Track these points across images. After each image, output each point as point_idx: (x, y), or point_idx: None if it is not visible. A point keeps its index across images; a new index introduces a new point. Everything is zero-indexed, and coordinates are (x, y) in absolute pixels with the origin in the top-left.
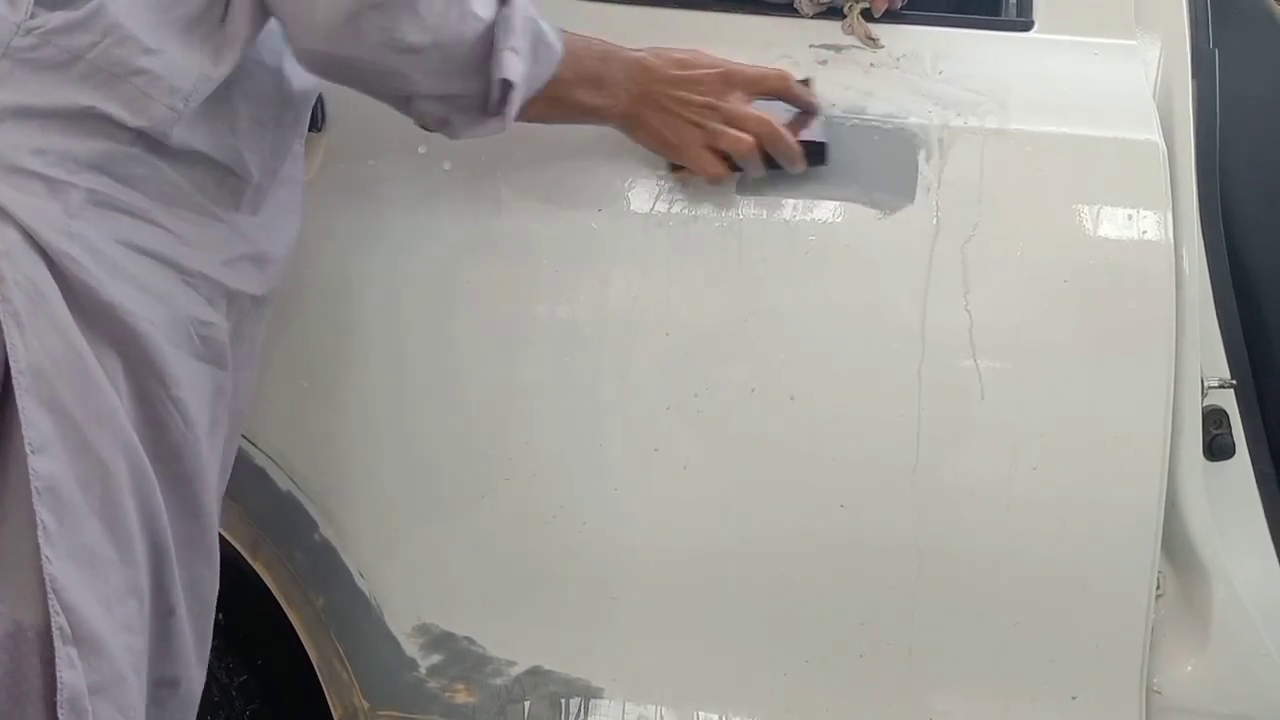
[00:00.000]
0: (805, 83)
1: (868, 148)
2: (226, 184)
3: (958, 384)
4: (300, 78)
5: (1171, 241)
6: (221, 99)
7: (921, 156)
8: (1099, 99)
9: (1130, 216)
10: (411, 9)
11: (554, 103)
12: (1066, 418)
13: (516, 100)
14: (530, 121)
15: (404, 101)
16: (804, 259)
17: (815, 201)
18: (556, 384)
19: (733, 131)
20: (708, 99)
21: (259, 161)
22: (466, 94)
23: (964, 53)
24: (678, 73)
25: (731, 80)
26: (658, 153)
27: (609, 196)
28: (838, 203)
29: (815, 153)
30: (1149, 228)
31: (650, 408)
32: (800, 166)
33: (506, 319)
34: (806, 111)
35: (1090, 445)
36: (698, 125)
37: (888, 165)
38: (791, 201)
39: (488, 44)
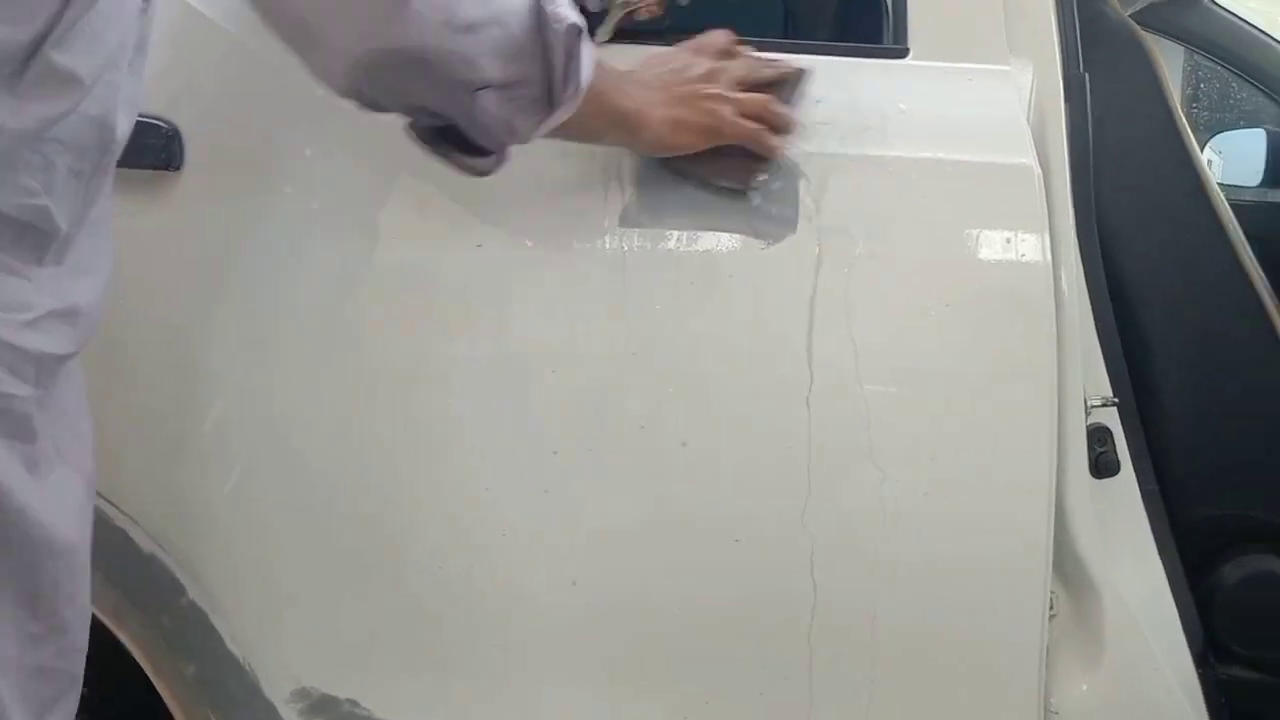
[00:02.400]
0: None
1: None
2: (27, 239)
3: (846, 412)
4: (127, 122)
5: (1050, 263)
6: (33, 151)
7: (803, 185)
8: (974, 124)
9: (1009, 239)
10: None
11: (601, 102)
12: (955, 442)
13: (584, 61)
14: (571, 135)
15: (470, 101)
16: (689, 290)
17: (699, 232)
18: (440, 426)
19: (750, 99)
20: (704, 76)
21: (70, 212)
22: (531, 79)
23: (842, 80)
24: (672, 65)
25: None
26: (687, 153)
27: (489, 230)
28: (722, 233)
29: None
30: (1027, 250)
31: (539, 448)
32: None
33: (384, 360)
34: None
35: (979, 468)
36: (723, 99)
37: (770, 194)
38: (676, 233)
39: (538, 14)
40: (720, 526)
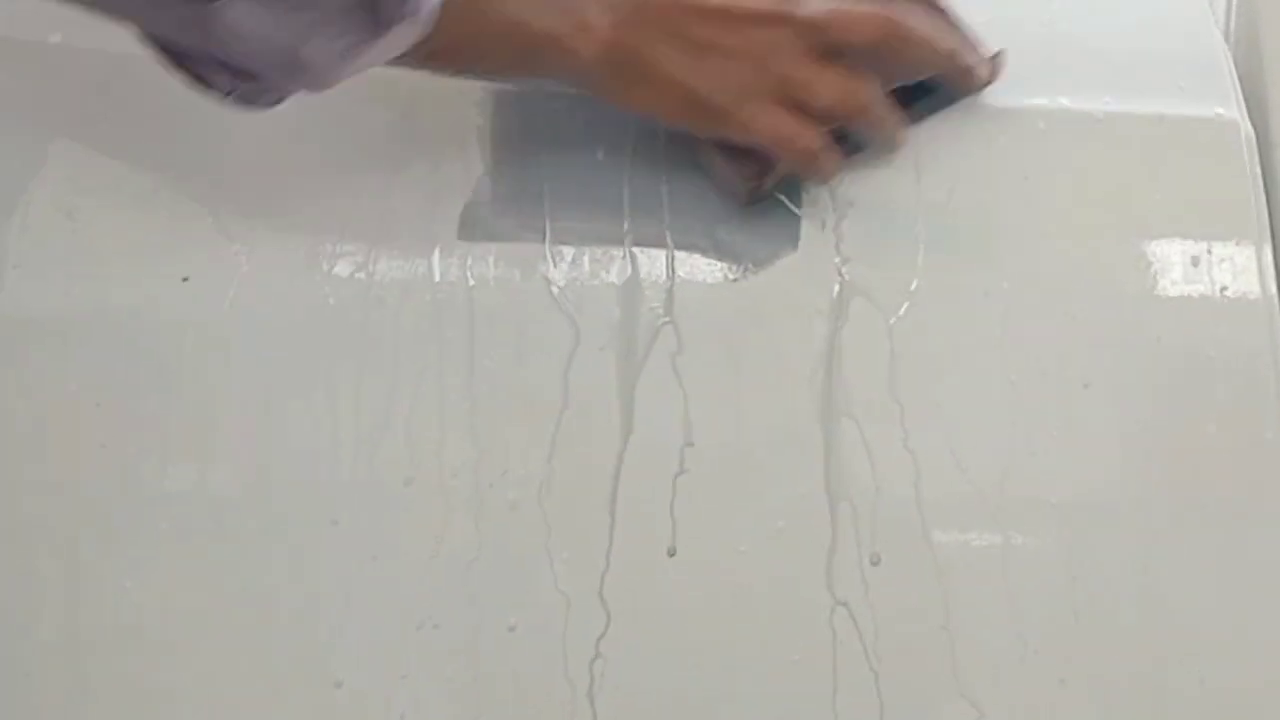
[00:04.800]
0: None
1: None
2: None
3: (905, 597)
4: None
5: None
6: None
7: None
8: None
9: (1198, 258)
10: None
11: (478, 21)
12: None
13: None
14: (440, 67)
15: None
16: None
17: (620, 248)
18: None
19: (828, 71)
20: (767, 5)
21: None
22: None
23: None
24: None
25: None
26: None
27: (198, 261)
28: (679, 253)
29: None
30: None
31: (384, 628)
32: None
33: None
34: None
35: None
36: (759, 62)
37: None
38: (591, 249)
39: None
40: None
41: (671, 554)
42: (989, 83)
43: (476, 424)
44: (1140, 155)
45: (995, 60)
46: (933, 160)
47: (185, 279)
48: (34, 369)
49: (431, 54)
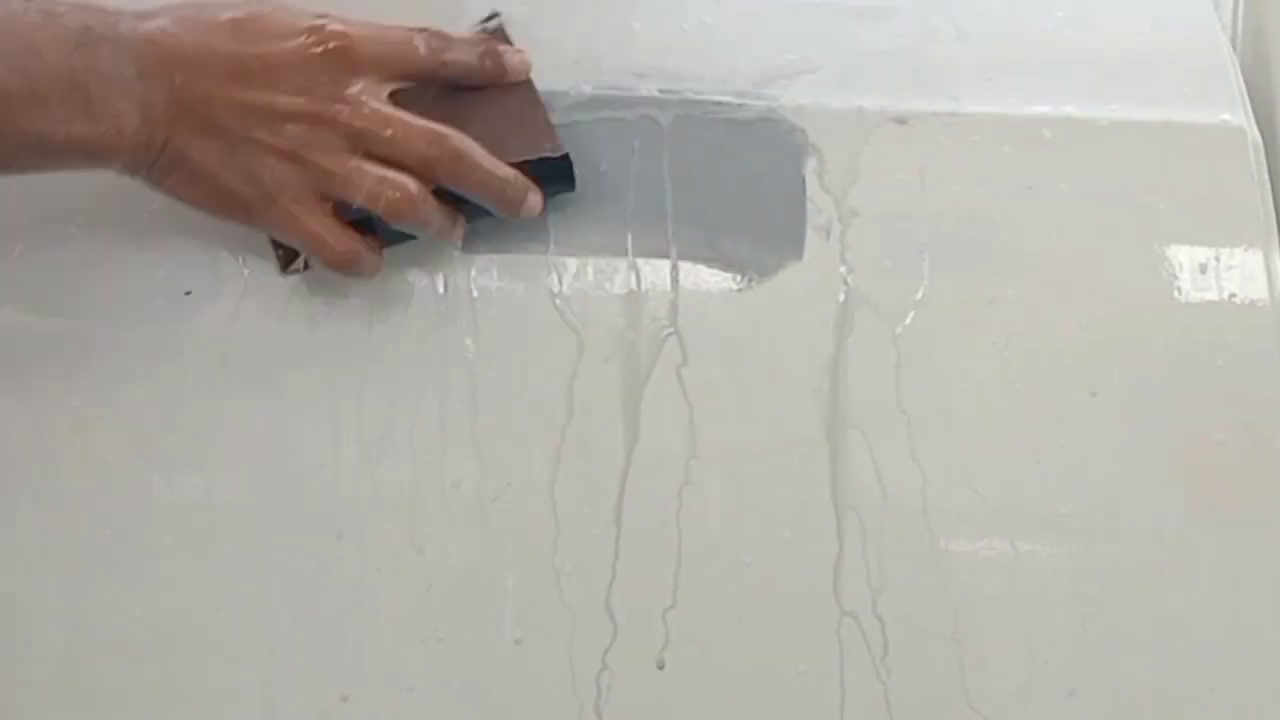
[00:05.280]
0: (492, 21)
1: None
2: None
3: (914, 615)
4: None
5: None
6: None
7: (811, 167)
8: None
9: (1206, 264)
10: None
11: None
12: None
13: None
14: None
15: None
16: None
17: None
18: None
19: (371, 169)
20: (313, 104)
21: None
22: None
23: None
24: (246, 50)
25: (352, 55)
26: (216, 218)
27: (200, 275)
28: (683, 264)
29: (553, 175)
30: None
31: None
32: (532, 208)
33: None
34: (506, 87)
35: None
36: (296, 159)
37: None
38: (595, 260)
39: None
40: None
41: (677, 565)
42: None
43: (480, 436)
44: (1146, 162)
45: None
46: (937, 169)
47: (188, 293)
48: (37, 383)
49: None
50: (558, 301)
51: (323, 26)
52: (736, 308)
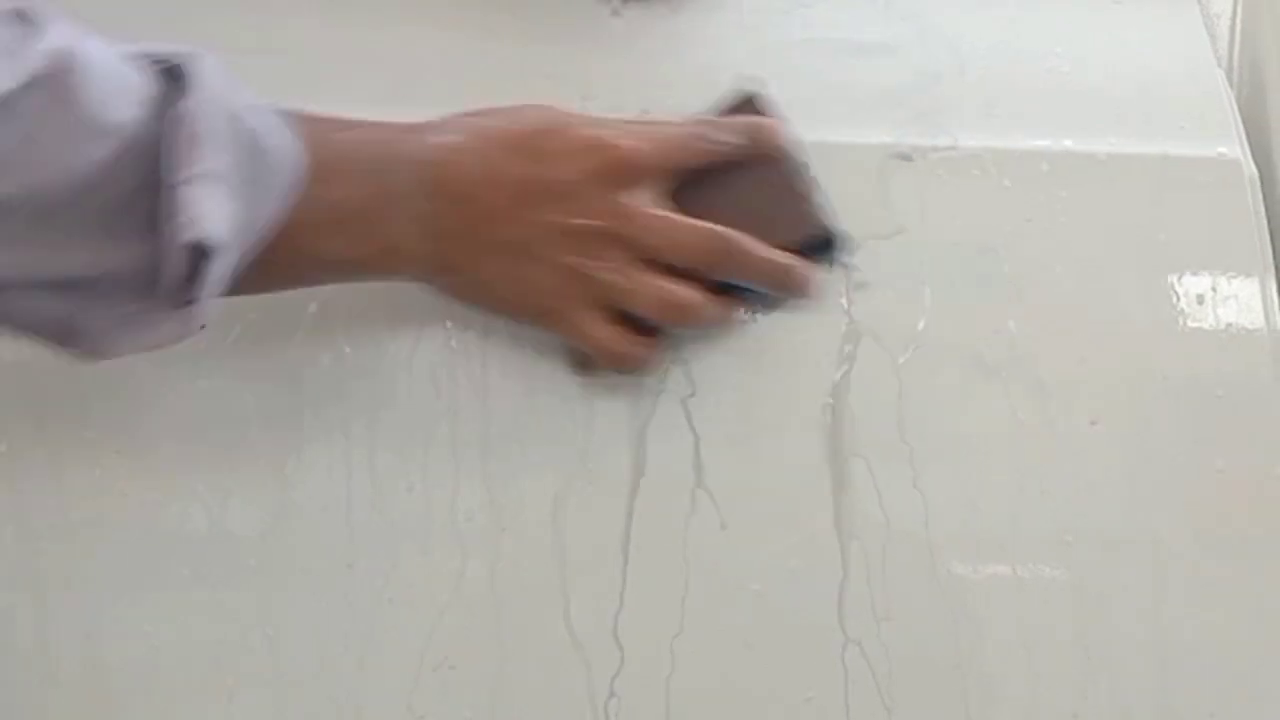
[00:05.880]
0: (750, 103)
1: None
2: None
3: (915, 646)
4: None
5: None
6: None
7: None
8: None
9: (1203, 295)
10: None
11: (285, 263)
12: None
13: (220, 273)
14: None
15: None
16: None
17: None
18: None
19: (651, 281)
20: (595, 221)
21: None
22: (116, 272)
23: None
24: (529, 172)
25: (630, 169)
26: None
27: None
28: None
29: (825, 245)
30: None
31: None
32: (812, 288)
33: None
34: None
35: None
36: (580, 274)
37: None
38: None
39: (144, 170)
40: None
41: (684, 594)
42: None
43: (490, 467)
44: (1144, 195)
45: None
46: (938, 202)
47: (203, 326)
48: (54, 414)
49: (260, 287)
50: None
51: (601, 142)
52: (742, 339)
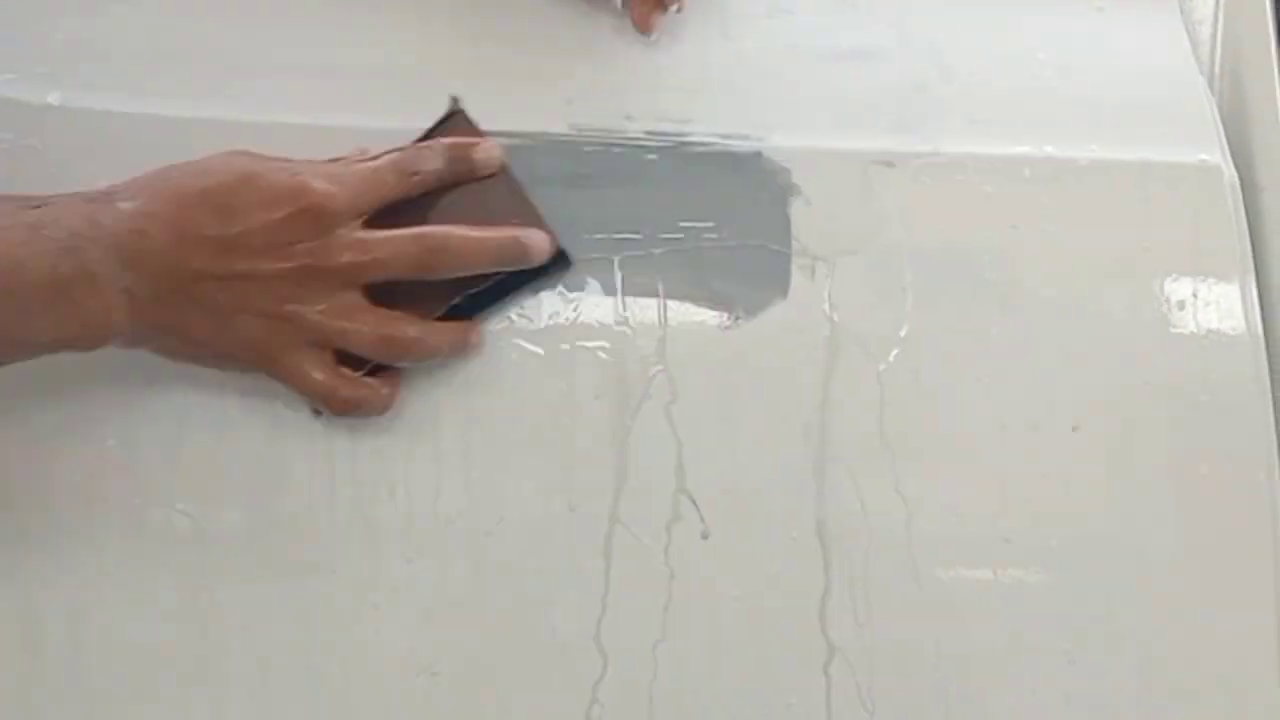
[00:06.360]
0: (455, 118)
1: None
2: None
3: (898, 654)
4: None
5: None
6: None
7: (796, 207)
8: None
9: (1184, 301)
10: None
11: None
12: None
13: None
14: None
15: None
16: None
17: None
18: None
19: (365, 320)
20: (296, 261)
21: None
22: None
23: None
24: (223, 230)
25: (326, 212)
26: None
27: None
28: (671, 302)
29: (553, 267)
30: (1215, 316)
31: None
32: (540, 248)
33: None
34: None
35: None
36: (291, 319)
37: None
38: (583, 297)
39: None
40: None
41: (667, 599)
42: (551, 252)
43: (472, 472)
44: (1126, 202)
45: (548, 232)
46: (921, 208)
47: None
48: (37, 416)
49: None
50: (548, 339)
51: (292, 189)
52: (724, 345)
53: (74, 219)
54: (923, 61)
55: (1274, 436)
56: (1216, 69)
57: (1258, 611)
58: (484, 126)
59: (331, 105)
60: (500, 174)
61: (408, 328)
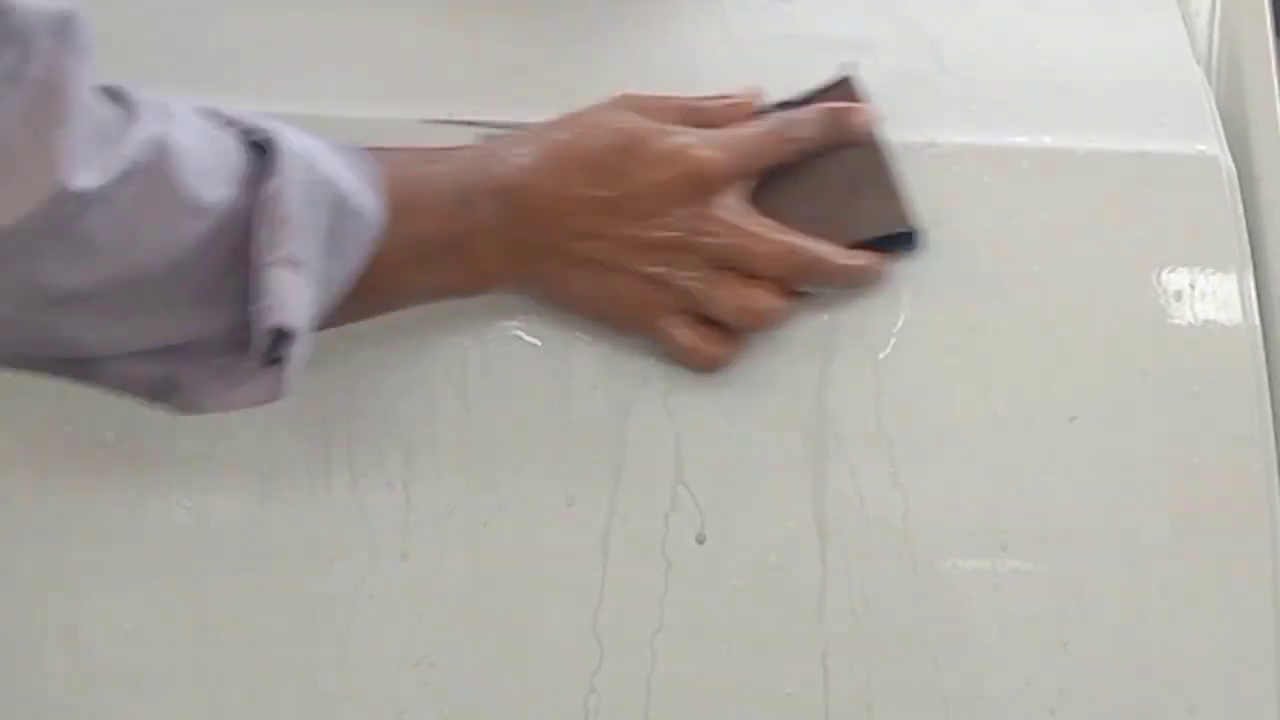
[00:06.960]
0: (842, 85)
1: None
2: None
3: (901, 646)
4: None
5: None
6: None
7: None
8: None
9: (1181, 291)
10: (64, 230)
11: (377, 297)
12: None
13: (300, 352)
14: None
15: (83, 372)
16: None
17: None
18: None
19: (729, 290)
20: (675, 232)
21: None
22: (210, 337)
23: None
24: (609, 192)
25: (708, 178)
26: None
27: None
28: None
29: (902, 240)
30: (1213, 306)
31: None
32: (870, 279)
33: None
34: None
35: None
36: (661, 283)
37: None
38: None
39: (236, 246)
40: None
41: (664, 590)
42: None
43: (469, 463)
44: (1123, 192)
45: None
46: (918, 198)
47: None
48: (33, 409)
49: (356, 317)
50: (547, 329)
51: (676, 155)
52: None
53: (468, 172)
54: (920, 51)
55: (1271, 427)
56: (1214, 59)
57: (1254, 601)
58: (480, 117)
59: (329, 95)
60: (871, 145)
61: (768, 302)
